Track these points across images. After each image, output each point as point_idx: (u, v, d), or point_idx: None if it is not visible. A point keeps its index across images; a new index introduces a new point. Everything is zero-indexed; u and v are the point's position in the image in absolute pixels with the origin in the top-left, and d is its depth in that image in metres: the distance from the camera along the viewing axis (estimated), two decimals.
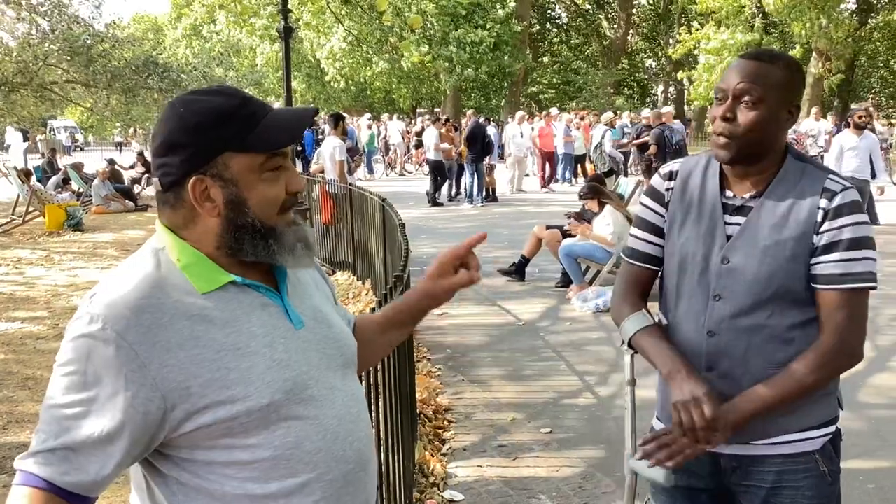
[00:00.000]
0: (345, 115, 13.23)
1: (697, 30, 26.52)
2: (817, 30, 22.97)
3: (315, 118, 1.46)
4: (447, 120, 18.74)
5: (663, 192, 1.98)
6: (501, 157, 19.98)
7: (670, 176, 1.98)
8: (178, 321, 1.25)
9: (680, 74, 28.85)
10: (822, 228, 1.78)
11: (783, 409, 1.83)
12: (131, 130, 32.82)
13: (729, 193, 1.89)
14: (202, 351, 1.25)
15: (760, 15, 25.60)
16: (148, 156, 20.63)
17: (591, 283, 7.84)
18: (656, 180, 2.01)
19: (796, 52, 25.57)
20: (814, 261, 1.79)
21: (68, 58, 16.14)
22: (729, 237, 1.85)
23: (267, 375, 1.28)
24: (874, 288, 1.80)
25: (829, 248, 1.78)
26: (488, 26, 29.82)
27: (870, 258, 1.79)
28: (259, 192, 1.32)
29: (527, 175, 18.76)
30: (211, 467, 1.28)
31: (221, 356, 1.26)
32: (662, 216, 1.98)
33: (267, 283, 1.37)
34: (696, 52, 26.98)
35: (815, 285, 1.81)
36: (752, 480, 1.92)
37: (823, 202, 1.78)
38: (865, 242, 1.78)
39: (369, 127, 23.18)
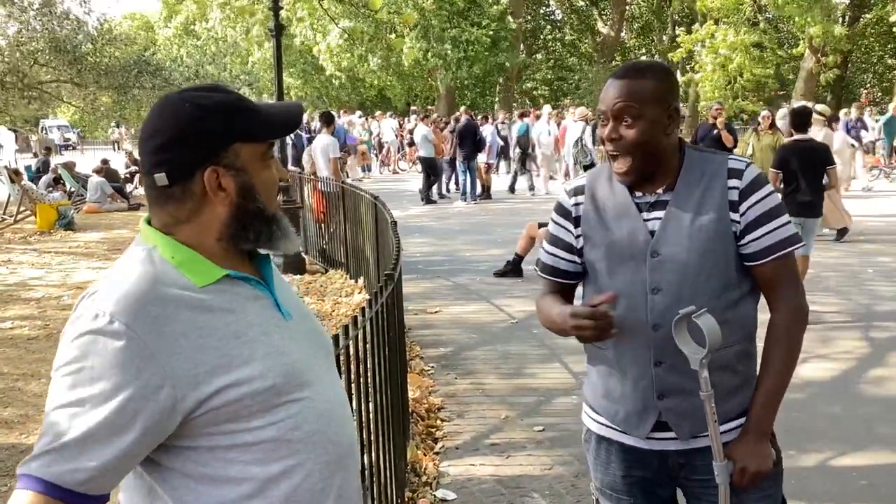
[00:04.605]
0: (335, 114, 13.27)
1: (696, 31, 26.30)
2: (813, 22, 22.90)
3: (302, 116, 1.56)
4: (426, 116, 18.76)
5: (570, 209, 2.04)
6: (504, 155, 19.82)
7: (576, 192, 2.05)
8: (181, 312, 1.28)
9: (683, 78, 28.10)
10: (742, 207, 1.87)
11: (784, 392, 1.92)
12: (121, 130, 32.68)
13: (638, 194, 1.94)
14: (206, 340, 1.28)
15: (760, 13, 25.48)
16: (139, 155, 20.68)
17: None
18: (562, 197, 2.08)
19: (801, 48, 25.37)
20: (745, 240, 1.88)
21: (51, 58, 16.00)
22: (652, 233, 1.89)
23: (268, 360, 1.33)
24: (801, 247, 1.93)
25: (754, 225, 1.87)
26: (484, 23, 29.77)
27: (787, 223, 1.90)
28: (263, 178, 1.40)
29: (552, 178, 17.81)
30: (214, 452, 1.31)
31: (224, 343, 1.30)
32: (570, 231, 2.04)
33: (255, 277, 1.44)
34: (700, 52, 26.70)
35: (749, 263, 1.90)
36: (701, 474, 1.94)
37: (734, 182, 1.88)
38: (780, 209, 1.90)
39: (365, 125, 23.19)
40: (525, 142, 17.01)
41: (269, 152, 1.42)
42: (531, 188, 16.75)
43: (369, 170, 22.45)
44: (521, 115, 18.31)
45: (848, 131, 15.83)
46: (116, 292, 1.26)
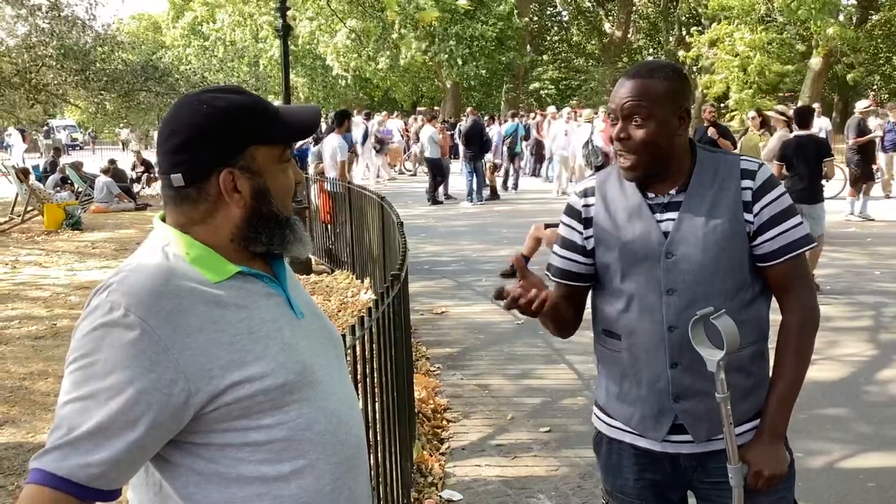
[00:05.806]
0: (350, 112, 13.17)
1: (701, 32, 26.14)
2: (827, 24, 22.76)
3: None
4: (433, 117, 18.84)
5: (580, 209, 2.03)
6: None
7: (586, 193, 2.03)
8: (195, 306, 1.28)
9: (703, 80, 27.73)
10: (755, 208, 1.87)
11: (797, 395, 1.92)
12: (127, 131, 32.75)
13: (651, 195, 1.93)
14: (220, 335, 1.28)
15: (775, 12, 25.26)
16: (147, 155, 20.76)
17: None
18: (572, 199, 2.07)
19: (821, 49, 25.14)
20: (758, 241, 1.88)
21: (56, 63, 15.98)
22: (666, 234, 1.89)
23: (280, 357, 1.33)
24: (814, 248, 1.94)
25: (767, 225, 1.87)
26: (490, 22, 29.79)
27: (800, 223, 1.90)
28: (279, 181, 1.40)
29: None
30: (224, 451, 1.30)
31: (238, 339, 1.30)
32: (580, 233, 2.02)
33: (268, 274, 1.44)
34: (709, 53, 26.48)
35: (761, 264, 1.89)
36: (716, 476, 1.92)
37: (747, 182, 1.88)
38: (792, 210, 1.90)
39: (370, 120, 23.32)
40: (513, 141, 17.33)
41: (285, 155, 1.41)
42: (512, 186, 17.45)
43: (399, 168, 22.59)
44: (513, 116, 18.46)
45: (883, 135, 15.51)
46: (131, 285, 1.26)
